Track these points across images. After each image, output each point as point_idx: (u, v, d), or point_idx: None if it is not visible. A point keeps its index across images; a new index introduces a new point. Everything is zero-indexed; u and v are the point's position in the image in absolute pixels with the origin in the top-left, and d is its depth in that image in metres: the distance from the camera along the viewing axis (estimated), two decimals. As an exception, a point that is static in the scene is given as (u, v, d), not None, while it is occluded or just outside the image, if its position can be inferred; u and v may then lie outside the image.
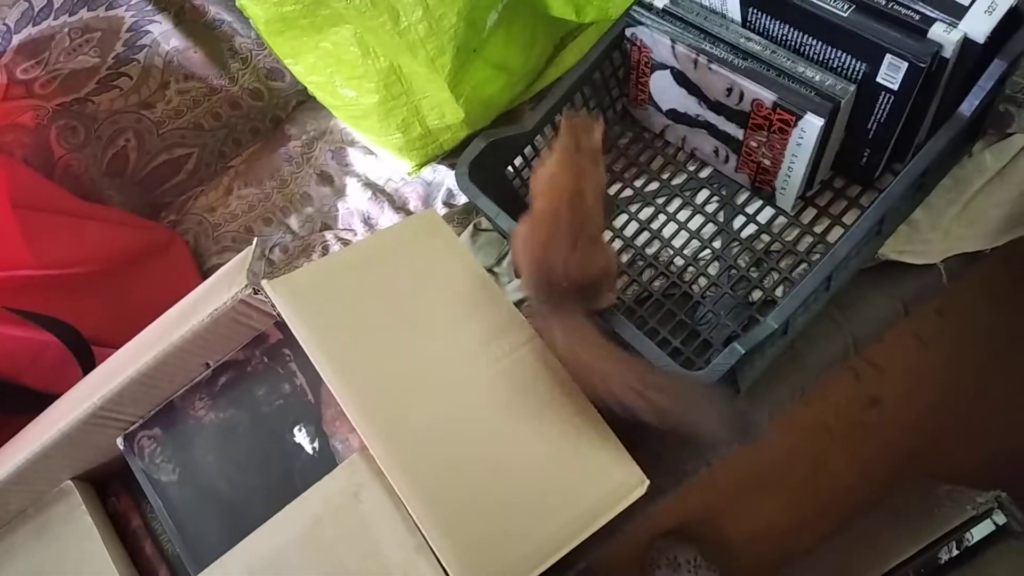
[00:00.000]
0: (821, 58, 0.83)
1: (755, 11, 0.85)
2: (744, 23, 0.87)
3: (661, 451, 0.92)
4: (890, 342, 1.17)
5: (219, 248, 1.15)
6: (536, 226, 0.76)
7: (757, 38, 0.86)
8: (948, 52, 0.75)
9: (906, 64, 0.76)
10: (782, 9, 0.82)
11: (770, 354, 0.91)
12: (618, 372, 0.68)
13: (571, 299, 0.73)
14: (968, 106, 0.78)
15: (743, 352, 0.75)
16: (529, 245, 0.76)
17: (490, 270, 1.04)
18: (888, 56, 0.77)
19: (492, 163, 0.94)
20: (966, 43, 0.75)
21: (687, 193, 1.01)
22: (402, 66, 0.90)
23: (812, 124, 0.82)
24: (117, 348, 0.80)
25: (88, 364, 0.90)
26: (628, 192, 1.03)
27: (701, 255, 0.97)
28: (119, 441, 0.77)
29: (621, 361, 0.70)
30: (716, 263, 0.97)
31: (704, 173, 1.01)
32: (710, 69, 0.87)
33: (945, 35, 0.75)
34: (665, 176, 1.02)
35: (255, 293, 0.70)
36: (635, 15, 0.91)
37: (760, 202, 0.98)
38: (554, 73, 1.08)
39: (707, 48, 0.86)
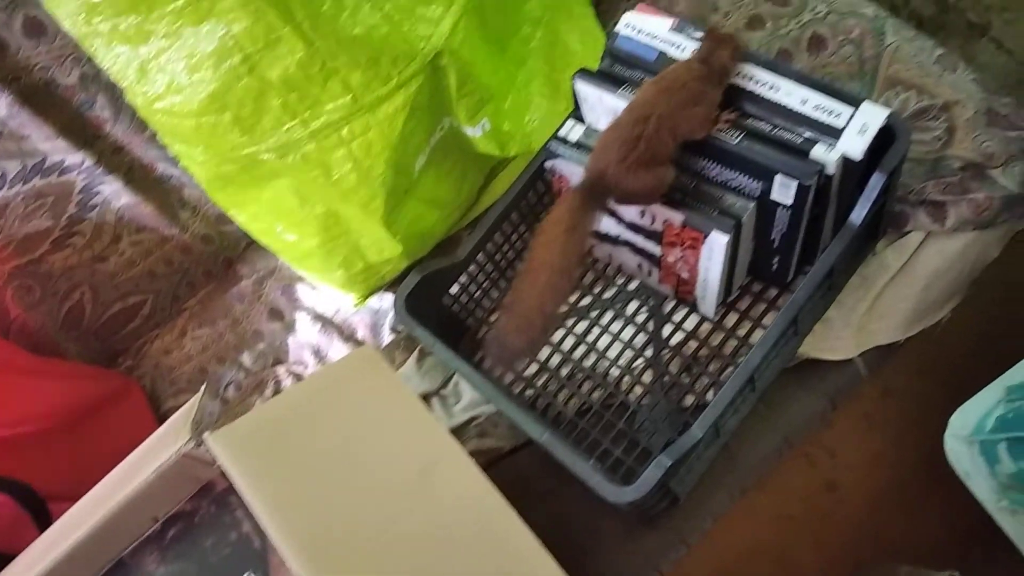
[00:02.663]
0: (721, 179, 0.90)
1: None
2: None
3: (614, 559, 0.94)
4: (840, 426, 1.21)
5: (175, 390, 1.18)
6: (615, 125, 0.83)
7: (662, 164, 0.93)
8: (831, 170, 0.82)
9: (795, 183, 0.83)
10: (681, 138, 0.90)
11: (707, 457, 0.95)
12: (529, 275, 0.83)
13: (599, 194, 0.84)
14: (857, 216, 0.85)
15: (670, 464, 0.79)
16: (602, 136, 0.83)
17: (436, 392, 1.07)
18: (778, 176, 0.84)
19: (429, 293, 0.99)
20: (846, 161, 0.82)
21: (618, 305, 1.06)
22: (338, 211, 0.96)
23: (718, 241, 0.88)
24: (76, 500, 0.82)
25: (44, 521, 0.92)
26: (563, 308, 1.08)
27: (635, 364, 1.02)
28: (70, 603, 0.78)
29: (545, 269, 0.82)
30: (649, 371, 1.01)
31: (632, 286, 1.07)
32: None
33: (826, 155, 0.82)
34: (597, 291, 1.08)
35: (198, 446, 0.74)
36: (552, 148, 0.98)
37: (686, 309, 1.03)
38: (488, 200, 1.14)
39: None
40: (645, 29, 0.91)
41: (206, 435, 0.73)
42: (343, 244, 1.00)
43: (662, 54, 0.90)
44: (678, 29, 0.90)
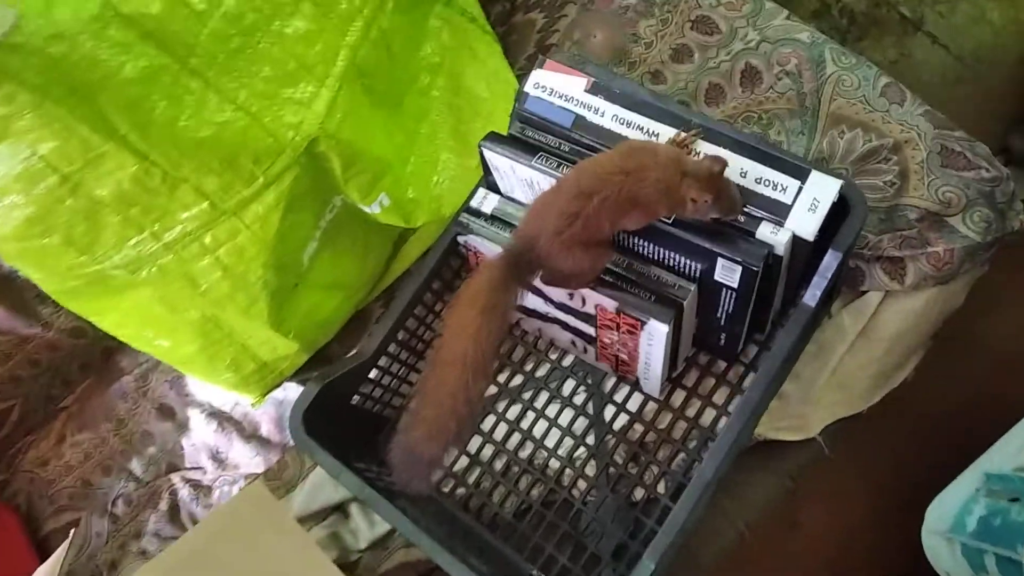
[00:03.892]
0: (657, 257, 0.79)
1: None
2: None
3: None
4: (804, 499, 1.12)
5: (54, 510, 1.03)
6: (555, 190, 0.71)
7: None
8: (780, 250, 0.72)
9: (740, 268, 0.72)
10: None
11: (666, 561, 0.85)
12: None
13: (524, 268, 0.71)
14: (811, 297, 0.74)
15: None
16: (538, 199, 0.72)
17: (355, 498, 0.95)
18: (720, 260, 0.73)
19: (333, 398, 0.85)
20: (796, 239, 0.72)
21: (553, 385, 0.94)
22: (216, 316, 0.82)
23: (658, 329, 0.77)
24: None
25: None
26: (492, 389, 0.96)
27: (576, 454, 0.91)
28: None
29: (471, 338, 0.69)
30: (593, 461, 0.90)
31: (567, 361, 0.95)
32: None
33: (774, 236, 0.71)
34: (528, 368, 0.96)
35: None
36: (464, 221, 0.85)
37: (628, 387, 0.92)
38: (399, 268, 1.01)
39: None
40: (558, 90, 0.79)
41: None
42: (227, 347, 0.86)
43: (579, 118, 0.78)
44: (594, 90, 0.78)
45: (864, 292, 0.88)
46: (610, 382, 0.93)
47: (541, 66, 0.80)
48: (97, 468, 1.04)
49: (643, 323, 0.78)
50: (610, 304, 0.79)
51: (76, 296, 0.79)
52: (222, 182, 0.67)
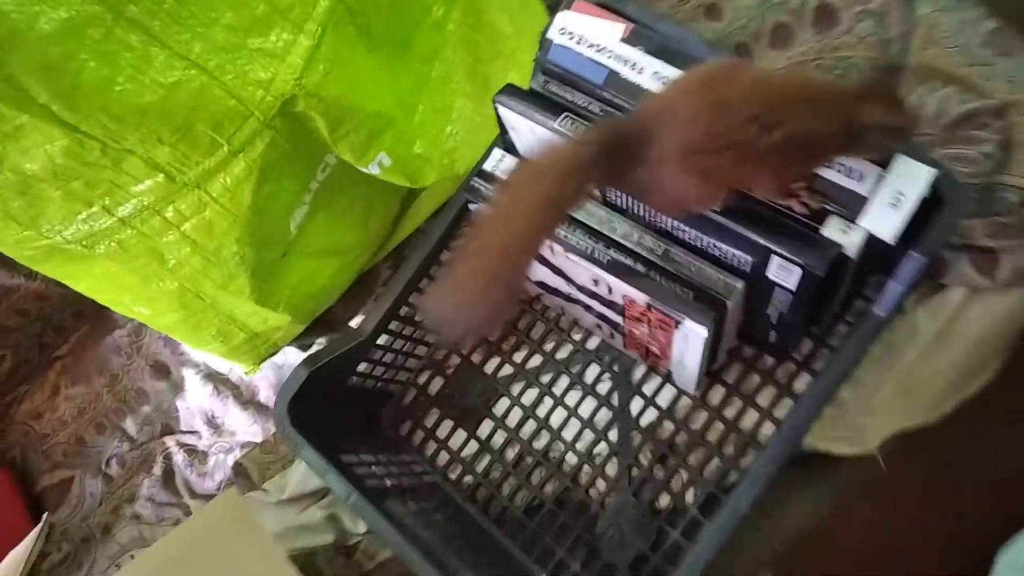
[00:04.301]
0: (699, 245, 0.66)
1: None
2: (604, 200, 0.70)
3: None
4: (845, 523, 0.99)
5: (50, 465, 0.99)
6: (711, 97, 0.52)
7: (621, 220, 0.69)
8: (851, 252, 0.58)
9: (799, 270, 0.60)
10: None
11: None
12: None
13: (624, 161, 0.54)
14: (884, 306, 0.62)
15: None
16: (688, 85, 0.55)
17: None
18: (776, 257, 0.60)
19: (326, 382, 0.77)
20: (872, 239, 0.58)
21: (575, 369, 0.84)
22: (197, 287, 0.72)
23: (695, 331, 0.65)
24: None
25: None
26: (508, 370, 0.86)
27: (596, 450, 0.82)
28: None
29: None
30: (615, 460, 0.81)
31: (592, 343, 0.84)
32: (568, 257, 0.70)
33: (844, 236, 0.58)
34: (548, 348, 0.86)
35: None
36: (476, 187, 0.73)
37: (660, 378, 0.81)
38: (410, 226, 0.90)
39: (560, 234, 0.69)
40: (587, 38, 0.65)
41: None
42: (212, 318, 0.77)
43: (613, 73, 0.64)
44: (633, 39, 0.63)
45: (944, 286, 0.74)
46: (639, 371, 0.82)
47: (569, 6, 0.66)
48: (91, 425, 0.99)
49: (678, 322, 0.66)
50: (640, 297, 0.67)
51: (40, 263, 0.70)
52: (176, 153, 0.57)
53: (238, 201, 0.62)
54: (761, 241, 0.60)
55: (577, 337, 0.85)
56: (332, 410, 0.79)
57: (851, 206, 0.58)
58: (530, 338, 0.86)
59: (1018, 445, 0.78)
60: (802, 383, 0.77)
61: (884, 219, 0.57)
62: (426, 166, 0.80)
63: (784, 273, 0.61)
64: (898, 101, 0.53)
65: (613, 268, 0.67)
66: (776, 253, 0.60)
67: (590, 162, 0.53)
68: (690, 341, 0.68)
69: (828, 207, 0.58)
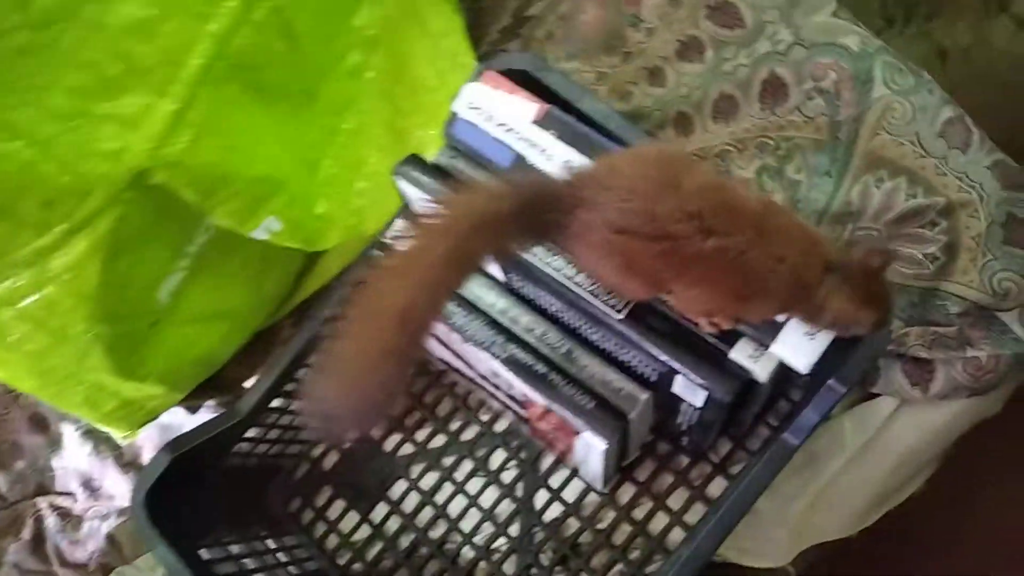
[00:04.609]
0: (603, 347, 0.60)
1: (516, 276, 0.61)
2: (508, 288, 0.63)
3: None
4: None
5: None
6: (656, 178, 0.46)
7: (524, 311, 0.62)
8: (762, 378, 0.53)
9: (704, 393, 0.54)
10: (538, 284, 0.59)
11: None
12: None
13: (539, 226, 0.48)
14: (797, 432, 0.56)
15: None
16: (631, 157, 0.50)
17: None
18: (680, 377, 0.54)
19: (198, 465, 0.69)
20: (783, 366, 0.53)
21: (480, 453, 0.78)
22: (46, 361, 0.65)
23: (595, 444, 0.59)
24: None
25: None
26: (409, 448, 0.80)
27: (496, 544, 0.75)
28: None
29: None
30: (514, 557, 0.74)
31: (500, 426, 0.78)
32: (465, 344, 0.64)
33: (752, 362, 0.52)
34: (454, 427, 0.79)
35: None
36: (375, 260, 0.67)
37: (568, 470, 0.75)
38: (316, 283, 0.83)
39: (457, 320, 0.63)
40: (496, 116, 0.58)
41: None
42: (74, 386, 0.69)
43: (520, 158, 0.58)
44: (546, 123, 0.57)
45: (874, 395, 0.69)
46: (548, 460, 0.76)
47: (479, 77, 0.59)
48: (-39, 476, 0.91)
49: (577, 432, 0.60)
50: (539, 399, 0.61)
51: None
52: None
53: (84, 279, 0.55)
54: (663, 358, 0.54)
55: (485, 418, 0.78)
56: (205, 494, 0.71)
57: (764, 330, 0.52)
58: (435, 415, 0.80)
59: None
60: (717, 488, 0.71)
61: (798, 349, 0.51)
62: (328, 228, 0.73)
63: (690, 391, 0.56)
64: (876, 292, 0.47)
65: (511, 366, 0.61)
66: (680, 373, 0.54)
67: (506, 218, 0.46)
68: (591, 449, 0.62)
69: (739, 328, 0.53)
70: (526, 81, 0.61)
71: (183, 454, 0.67)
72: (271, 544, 0.77)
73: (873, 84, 0.73)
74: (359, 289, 0.46)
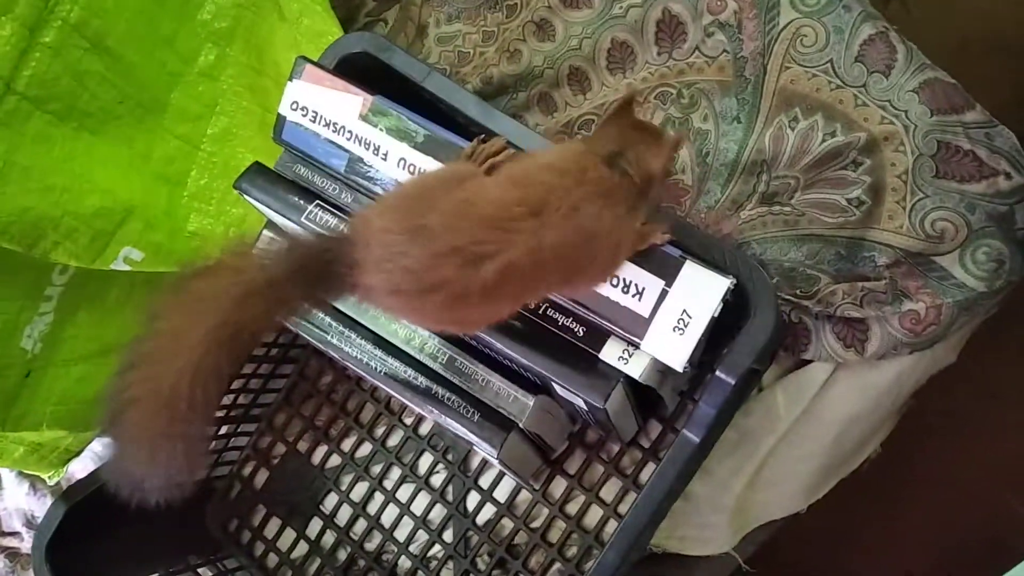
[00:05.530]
0: (481, 349, 0.55)
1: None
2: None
3: None
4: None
5: None
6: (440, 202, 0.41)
7: (400, 325, 0.57)
8: (641, 377, 0.47)
9: (580, 399, 0.49)
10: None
11: None
12: None
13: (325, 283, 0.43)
14: (695, 432, 0.50)
15: None
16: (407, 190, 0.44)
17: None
18: (556, 386, 0.49)
19: (111, 501, 0.66)
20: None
21: (407, 459, 0.73)
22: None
23: (488, 452, 0.55)
24: None
25: None
26: (336, 460, 0.76)
27: (432, 552, 0.72)
28: None
29: None
30: (452, 563, 0.71)
31: (424, 428, 0.74)
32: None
33: (623, 364, 0.46)
34: (378, 433, 0.75)
35: None
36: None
37: (497, 469, 0.71)
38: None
39: (332, 340, 0.58)
40: (323, 115, 0.52)
41: None
42: (-32, 440, 0.67)
43: (355, 160, 0.52)
44: (373, 118, 0.51)
45: (806, 362, 0.63)
46: (476, 459, 0.72)
47: (301, 74, 0.53)
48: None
49: (469, 443, 0.55)
50: (424, 413, 0.56)
51: None
52: None
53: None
54: (535, 367, 0.49)
55: (408, 421, 0.74)
56: (125, 529, 0.68)
57: (633, 328, 0.46)
58: (358, 422, 0.76)
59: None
60: (649, 473, 0.66)
61: (669, 345, 0.45)
62: (205, 243, 0.68)
63: (571, 396, 0.50)
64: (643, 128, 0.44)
65: (390, 382, 0.56)
66: (553, 380, 0.49)
67: (279, 283, 0.42)
68: (490, 459, 0.57)
69: (606, 327, 0.47)
70: (373, 64, 0.55)
71: (87, 497, 0.64)
72: (209, 572, 0.74)
73: (779, 8, 0.64)
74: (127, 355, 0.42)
